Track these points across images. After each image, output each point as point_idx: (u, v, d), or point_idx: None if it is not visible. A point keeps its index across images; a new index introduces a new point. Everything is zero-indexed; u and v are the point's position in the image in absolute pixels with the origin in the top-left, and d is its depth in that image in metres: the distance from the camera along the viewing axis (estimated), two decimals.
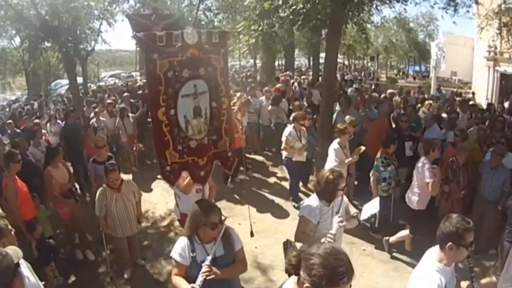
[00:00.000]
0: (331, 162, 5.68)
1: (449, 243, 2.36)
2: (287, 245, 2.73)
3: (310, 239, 3.20)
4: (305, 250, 1.89)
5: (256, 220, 5.21)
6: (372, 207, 3.83)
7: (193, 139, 3.45)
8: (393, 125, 7.50)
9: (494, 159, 5.16)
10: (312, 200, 3.42)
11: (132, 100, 10.96)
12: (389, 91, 11.20)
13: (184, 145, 3.38)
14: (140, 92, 12.68)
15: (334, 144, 5.82)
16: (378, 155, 5.49)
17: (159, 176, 7.68)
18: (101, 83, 27.94)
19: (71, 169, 6.59)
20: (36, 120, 9.45)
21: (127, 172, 7.86)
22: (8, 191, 4.36)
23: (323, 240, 3.11)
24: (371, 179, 5.57)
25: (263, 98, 9.62)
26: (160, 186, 7.74)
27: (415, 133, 6.92)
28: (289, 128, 6.60)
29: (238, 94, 8.57)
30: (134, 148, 8.99)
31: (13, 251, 2.05)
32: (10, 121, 9.83)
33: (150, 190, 7.66)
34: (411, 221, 5.30)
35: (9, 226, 3.14)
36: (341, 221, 3.28)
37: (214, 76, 3.57)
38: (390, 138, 5.62)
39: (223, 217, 2.89)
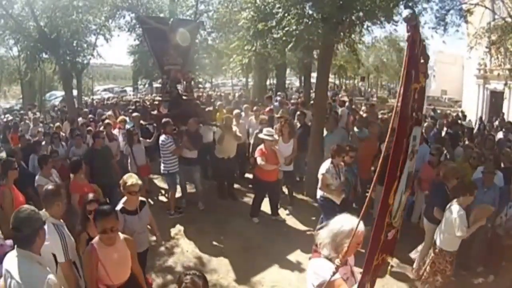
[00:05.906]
0: (454, 232, 4.12)
1: None
2: None
3: None
4: None
5: None
6: None
7: (394, 227, 2.30)
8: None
9: (487, 178, 5.11)
10: None
11: (142, 122, 8.81)
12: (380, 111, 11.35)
13: (383, 239, 2.20)
14: (155, 112, 9.49)
15: (456, 208, 4.15)
16: None
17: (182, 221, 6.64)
18: (95, 97, 28.16)
19: None
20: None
21: None
22: (4, 199, 4.36)
23: None
24: None
25: (252, 117, 8.96)
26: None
27: None
28: (326, 164, 5.49)
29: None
30: None
31: (43, 213, 3.06)
32: None
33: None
34: None
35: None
36: None
37: None
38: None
39: None
